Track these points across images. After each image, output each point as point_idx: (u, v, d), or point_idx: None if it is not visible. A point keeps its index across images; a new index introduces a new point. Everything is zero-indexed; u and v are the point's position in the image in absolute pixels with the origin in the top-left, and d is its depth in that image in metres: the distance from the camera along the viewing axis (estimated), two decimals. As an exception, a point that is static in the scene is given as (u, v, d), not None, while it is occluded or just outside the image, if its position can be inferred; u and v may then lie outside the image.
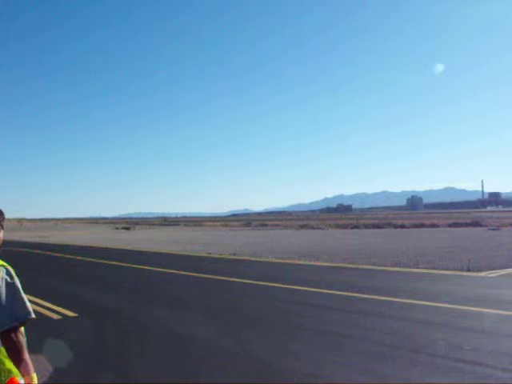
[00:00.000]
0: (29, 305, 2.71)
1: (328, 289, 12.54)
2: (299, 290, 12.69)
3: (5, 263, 2.81)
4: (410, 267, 17.11)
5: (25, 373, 2.53)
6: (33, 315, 2.69)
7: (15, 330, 2.59)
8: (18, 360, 2.55)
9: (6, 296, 2.65)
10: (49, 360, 6.56)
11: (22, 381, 2.53)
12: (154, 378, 5.93)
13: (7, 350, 2.57)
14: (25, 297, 2.74)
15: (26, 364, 2.55)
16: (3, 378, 2.54)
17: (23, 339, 2.63)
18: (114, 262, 21.89)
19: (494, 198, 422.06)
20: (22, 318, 2.65)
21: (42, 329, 8.86)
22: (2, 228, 2.90)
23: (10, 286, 2.70)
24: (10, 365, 2.58)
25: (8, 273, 2.76)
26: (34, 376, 2.56)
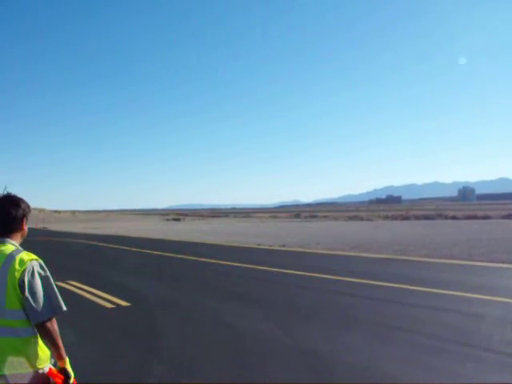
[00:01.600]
0: (60, 297, 2.91)
1: (379, 280, 12.42)
2: (350, 281, 12.61)
3: (36, 257, 2.94)
4: (463, 259, 16.78)
5: (59, 357, 2.82)
6: (65, 308, 2.91)
7: (50, 319, 2.80)
8: (54, 346, 2.80)
9: (42, 289, 2.83)
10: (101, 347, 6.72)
11: (53, 362, 2.86)
12: (209, 369, 6.01)
13: (43, 337, 2.80)
14: (56, 289, 2.92)
15: (61, 349, 2.82)
16: (41, 362, 2.79)
17: (57, 327, 2.84)
18: (165, 253, 22.20)
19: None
20: (58, 309, 2.87)
21: (95, 317, 9.13)
22: (27, 220, 3.08)
23: (45, 280, 2.88)
24: (46, 351, 2.84)
25: (41, 266, 2.91)
26: (67, 360, 2.85)
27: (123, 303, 10.26)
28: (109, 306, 10.09)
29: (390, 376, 5.50)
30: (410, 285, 11.69)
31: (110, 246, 28.54)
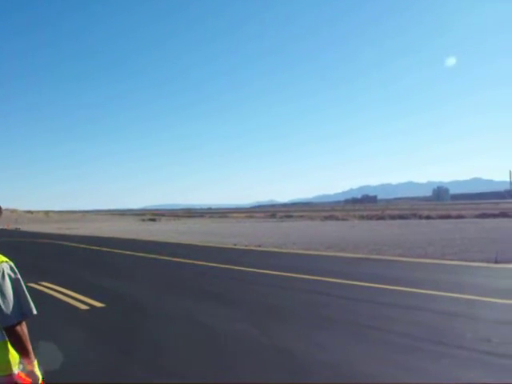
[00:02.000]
0: (30, 300, 2.85)
1: (354, 280, 12.50)
2: (325, 281, 12.68)
3: (7, 259, 2.89)
4: (436, 258, 16.97)
5: (28, 361, 2.75)
6: (35, 311, 2.85)
7: (19, 323, 2.74)
8: (22, 350, 2.74)
9: (12, 292, 2.77)
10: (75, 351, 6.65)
11: (21, 367, 2.77)
12: (180, 367, 5.99)
13: (12, 342, 2.73)
14: (27, 292, 2.85)
15: (30, 353, 2.75)
16: (9, 367, 2.73)
17: (26, 331, 2.79)
18: (140, 254, 22.09)
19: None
20: (28, 313, 2.81)
21: (70, 319, 9.04)
22: None
23: (15, 282, 2.81)
24: (15, 355, 2.76)
25: (12, 269, 2.85)
26: (36, 363, 2.78)
27: (97, 304, 10.17)
28: (83, 307, 9.99)
29: (363, 374, 5.54)
30: (384, 284, 11.79)
31: (84, 246, 28.30)
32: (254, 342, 7.04)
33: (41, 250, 27.99)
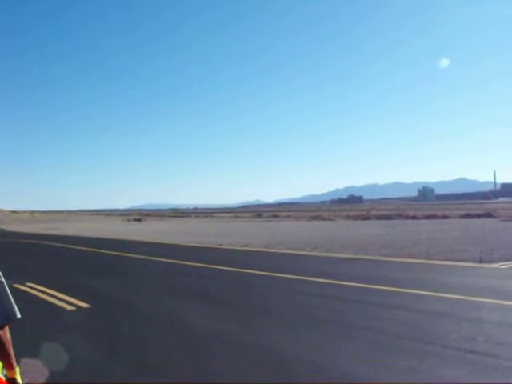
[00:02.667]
0: (14, 304, 2.71)
1: (340, 280, 12.55)
2: (311, 280, 12.72)
3: None
4: (423, 258, 17.09)
5: (9, 367, 2.61)
6: (19, 315, 2.70)
7: (2, 327, 2.61)
8: (5, 356, 2.60)
9: None
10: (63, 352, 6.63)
11: (4, 372, 2.62)
12: (165, 368, 5.99)
13: None
14: (10, 295, 2.71)
15: (12, 359, 2.62)
16: None
17: (9, 335, 2.65)
18: (125, 254, 22.04)
19: (507, 189, 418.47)
20: (11, 316, 2.66)
21: (56, 320, 8.99)
22: None
23: None
24: None
25: None
26: (18, 370, 2.65)
27: (84, 305, 10.13)
28: (69, 307, 9.95)
29: (349, 374, 5.57)
30: (371, 284, 11.85)
31: (70, 246, 28.15)
32: (240, 341, 7.05)
33: (26, 250, 27.82)
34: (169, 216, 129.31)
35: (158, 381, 5.54)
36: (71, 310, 9.74)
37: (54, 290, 11.96)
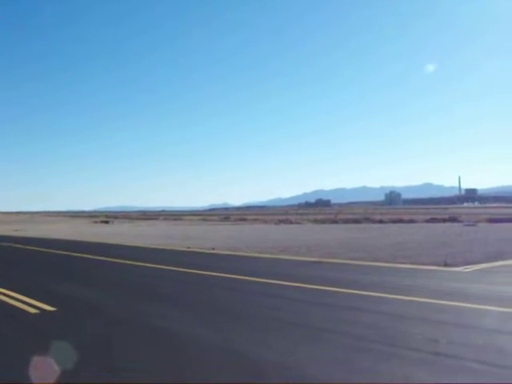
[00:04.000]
0: None
1: (306, 283, 12.61)
2: (278, 284, 12.75)
3: None
4: (388, 262, 17.28)
5: None
6: None
7: None
8: None
9: None
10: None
11: None
12: (136, 370, 5.94)
13: None
14: None
15: None
16: None
17: None
18: (91, 256, 21.80)
19: (471, 194, 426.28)
20: None
21: (18, 323, 8.83)
22: None
23: None
24: None
25: None
26: None
27: (48, 308, 9.97)
28: (32, 311, 9.78)
29: (314, 376, 5.59)
30: (337, 287, 11.93)
31: (34, 248, 27.74)
32: (207, 344, 7.03)
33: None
34: (137, 218, 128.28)
35: (127, 381, 5.49)
36: (34, 313, 9.57)
37: (17, 292, 11.73)
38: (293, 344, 6.98)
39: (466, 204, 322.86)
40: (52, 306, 10.06)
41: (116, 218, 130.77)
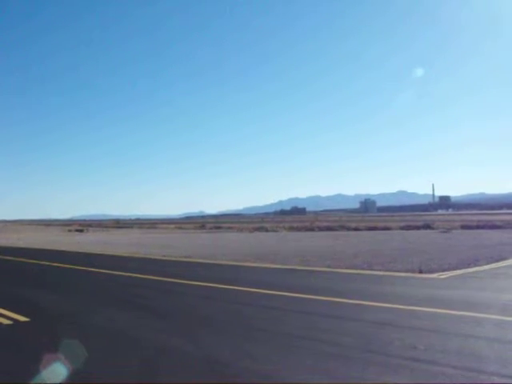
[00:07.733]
0: None
1: (282, 291, 12.59)
2: (253, 292, 12.72)
3: None
4: (364, 269, 17.36)
5: None
6: None
7: None
8: None
9: None
10: None
11: None
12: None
13: None
14: None
15: None
16: None
17: None
18: (64, 265, 21.54)
19: (444, 202, 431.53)
20: None
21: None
22: None
23: None
24: None
25: None
26: None
27: (21, 318, 9.80)
28: (5, 322, 9.60)
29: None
30: (314, 294, 11.95)
31: (6, 258, 27.30)
32: (184, 353, 6.98)
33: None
34: (111, 227, 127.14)
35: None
36: (7, 324, 9.39)
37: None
38: (272, 352, 6.95)
39: (440, 211, 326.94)
40: (25, 317, 9.87)
41: (90, 226, 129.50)
